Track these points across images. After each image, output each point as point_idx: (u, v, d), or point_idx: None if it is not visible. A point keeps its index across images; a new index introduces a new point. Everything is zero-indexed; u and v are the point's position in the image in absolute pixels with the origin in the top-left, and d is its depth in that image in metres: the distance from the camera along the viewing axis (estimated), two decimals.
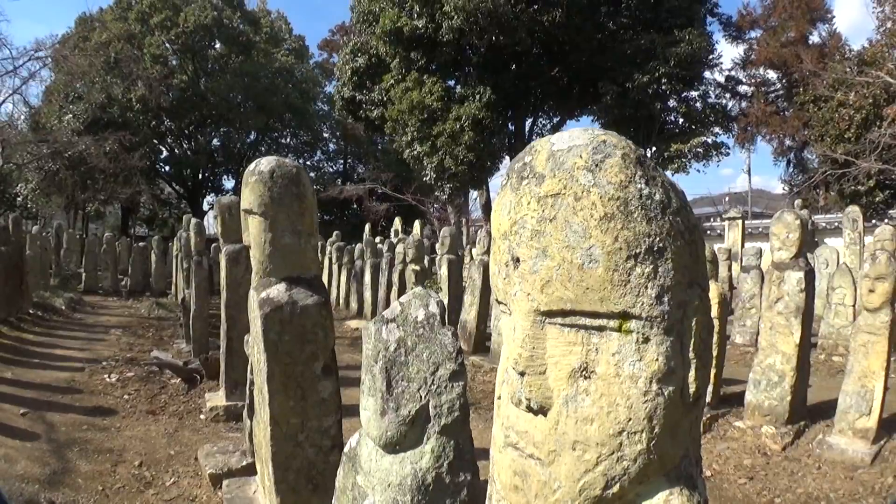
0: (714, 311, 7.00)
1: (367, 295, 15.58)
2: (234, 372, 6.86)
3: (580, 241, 1.16)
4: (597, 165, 1.16)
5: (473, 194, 32.96)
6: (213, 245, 14.77)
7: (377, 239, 20.06)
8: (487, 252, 11.15)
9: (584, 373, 1.21)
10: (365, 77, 29.53)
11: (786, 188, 38.75)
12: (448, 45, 24.90)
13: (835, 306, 10.75)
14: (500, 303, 1.38)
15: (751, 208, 39.13)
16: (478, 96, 24.85)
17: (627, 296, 1.15)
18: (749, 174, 43.59)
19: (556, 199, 1.19)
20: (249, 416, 4.78)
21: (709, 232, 26.14)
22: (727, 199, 45.20)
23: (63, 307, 14.56)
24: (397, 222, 27.97)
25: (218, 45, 42.77)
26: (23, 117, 29.80)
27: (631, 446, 1.18)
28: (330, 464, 3.38)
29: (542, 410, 1.25)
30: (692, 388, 1.21)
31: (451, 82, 27.53)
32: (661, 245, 1.15)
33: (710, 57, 27.66)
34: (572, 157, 1.19)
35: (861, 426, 5.96)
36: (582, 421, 1.21)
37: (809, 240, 16.41)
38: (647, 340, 1.17)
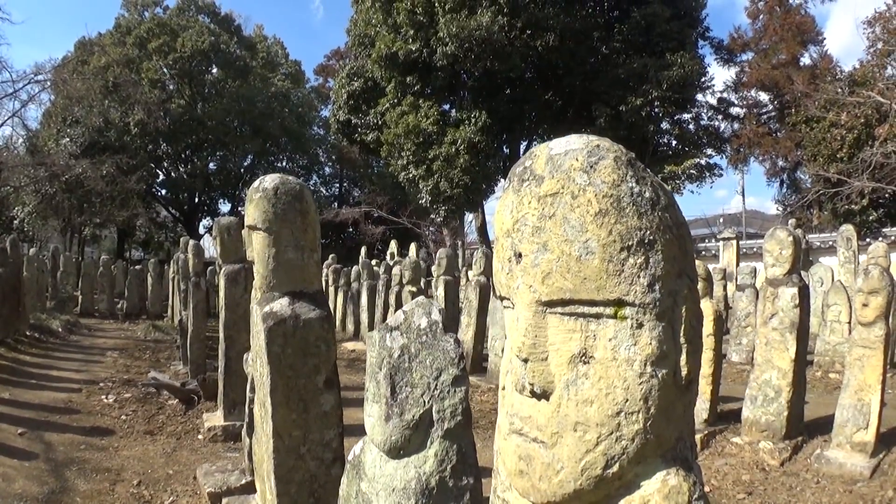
0: (709, 329, 7.05)
1: (364, 317, 15.60)
2: (233, 392, 6.87)
3: (577, 235, 1.25)
4: (591, 167, 1.26)
5: (469, 217, 33.03)
6: (210, 268, 14.79)
7: (373, 262, 20.08)
8: (484, 273, 11.23)
9: (583, 358, 1.28)
10: (360, 101, 29.73)
11: (780, 208, 38.95)
12: (443, 70, 25.06)
13: (830, 323, 10.77)
14: (503, 298, 1.46)
15: (745, 229, 39.26)
16: (473, 120, 24.98)
17: (622, 284, 1.24)
18: (743, 195, 44.03)
19: (554, 197, 1.28)
20: (249, 435, 4.80)
21: (703, 253, 26.22)
22: (721, 220, 45.41)
23: (60, 329, 14.56)
24: (393, 245, 28.03)
25: (215, 70, 43.03)
26: (21, 140, 29.85)
27: (628, 426, 1.25)
28: (332, 477, 3.40)
29: (544, 395, 1.32)
30: (684, 372, 1.29)
31: (447, 106, 27.73)
32: (651, 238, 1.24)
33: (702, 80, 27.81)
34: (569, 160, 1.28)
35: (859, 440, 5.95)
36: (582, 403, 1.28)
37: (804, 259, 16.47)
38: (640, 326, 1.25)
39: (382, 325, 2.23)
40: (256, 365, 3.68)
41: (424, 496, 1.99)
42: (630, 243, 1.23)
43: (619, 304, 1.25)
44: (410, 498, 1.99)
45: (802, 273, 7.24)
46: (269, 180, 3.63)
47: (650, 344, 1.25)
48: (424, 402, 2.06)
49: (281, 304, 3.47)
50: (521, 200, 1.34)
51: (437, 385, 2.07)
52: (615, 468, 1.27)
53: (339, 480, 2.43)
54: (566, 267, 1.26)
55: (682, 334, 1.29)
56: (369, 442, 2.22)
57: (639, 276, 1.24)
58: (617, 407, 1.25)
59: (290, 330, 3.41)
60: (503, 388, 1.50)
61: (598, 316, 1.27)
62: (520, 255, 1.34)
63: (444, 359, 2.09)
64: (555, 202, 1.28)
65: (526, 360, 1.33)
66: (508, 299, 1.42)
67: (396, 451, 2.07)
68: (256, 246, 3.57)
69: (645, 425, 1.25)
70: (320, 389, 3.45)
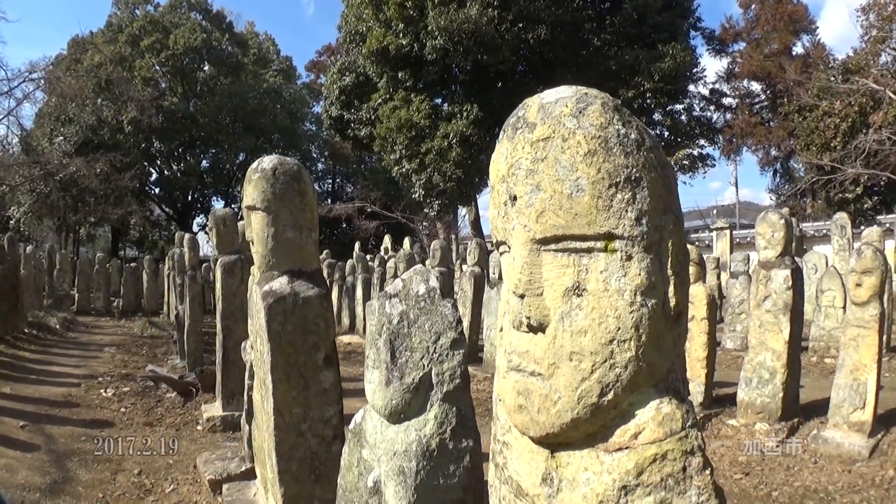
0: (703, 312, 7.10)
1: (359, 310, 15.63)
2: (231, 382, 6.90)
3: (568, 174, 1.32)
4: (580, 112, 1.34)
5: (462, 211, 33.06)
6: (204, 265, 14.81)
7: (367, 257, 20.12)
8: (478, 264, 11.27)
9: (576, 291, 1.35)
10: (352, 96, 29.67)
11: (773, 198, 39.07)
12: (434, 64, 25.01)
13: (825, 308, 10.82)
14: (500, 244, 1.52)
15: (738, 220, 39.31)
16: (465, 113, 24.94)
17: (611, 219, 1.31)
18: (736, 186, 43.90)
19: (546, 142, 1.35)
20: (248, 422, 4.83)
21: (697, 243, 26.25)
22: (715, 211, 45.37)
23: (57, 326, 14.59)
24: (387, 240, 28.04)
25: (207, 67, 42.95)
26: (16, 140, 29.74)
27: (621, 353, 1.31)
28: (332, 454, 3.44)
29: (540, 328, 1.38)
30: (672, 303, 1.36)
31: (438, 100, 27.62)
32: (637, 175, 1.32)
33: (694, 70, 27.81)
34: (559, 107, 1.36)
35: (856, 419, 5.97)
36: (577, 333, 1.34)
37: (797, 247, 16.53)
38: (629, 258, 1.32)
39: (381, 292, 2.27)
40: (256, 344, 3.72)
41: (425, 458, 2.03)
42: (618, 180, 1.30)
43: (609, 237, 1.32)
44: (412, 460, 2.02)
45: (797, 259, 7.27)
46: (268, 161, 3.66)
47: (639, 275, 1.32)
48: (424, 365, 2.10)
49: (280, 283, 3.51)
50: (514, 147, 1.41)
51: (435, 348, 2.11)
52: (610, 396, 1.33)
53: (339, 458, 2.46)
54: (558, 204, 1.33)
55: (669, 267, 1.36)
56: (370, 409, 2.25)
57: (627, 211, 1.31)
58: (610, 335, 1.32)
59: (289, 307, 3.45)
60: (500, 330, 1.56)
61: (589, 250, 1.34)
62: (515, 198, 1.41)
63: (442, 323, 2.13)
64: (547, 146, 1.35)
65: (522, 296, 1.39)
66: (504, 243, 1.49)
67: (397, 416, 2.11)
68: (255, 226, 3.60)
69: (637, 353, 1.31)
70: (320, 366, 3.49)
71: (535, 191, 1.36)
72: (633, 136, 1.33)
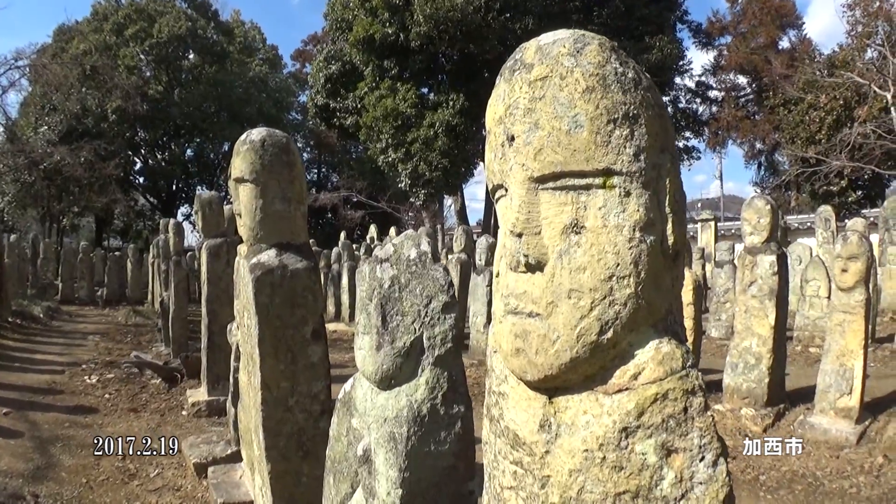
0: (688, 298, 7.11)
1: (345, 298, 15.58)
2: (216, 366, 6.87)
3: (566, 111, 1.31)
4: (578, 51, 1.33)
5: (448, 201, 33.02)
6: (189, 253, 14.74)
7: (353, 245, 20.07)
8: (464, 251, 11.26)
9: (575, 228, 1.34)
10: (338, 85, 29.50)
11: (757, 191, 39.17)
12: (420, 53, 24.95)
13: (809, 298, 10.86)
14: (496, 188, 1.50)
15: (723, 213, 39.46)
16: (451, 103, 24.88)
17: (609, 154, 1.31)
18: (721, 178, 44.16)
19: (544, 81, 1.34)
20: (234, 405, 4.81)
21: None
22: (700, 204, 45.59)
23: (41, 315, 14.49)
24: (372, 229, 27.97)
25: (192, 56, 42.55)
26: (0, 129, 29.47)
27: (620, 290, 1.31)
28: (320, 430, 3.40)
29: (539, 266, 1.37)
30: (671, 241, 1.36)
31: (425, 90, 27.57)
32: (635, 112, 1.32)
33: (681, 63, 27.99)
34: (557, 48, 1.35)
35: (843, 405, 5.98)
36: (576, 270, 1.33)
37: (781, 239, 16.59)
38: (628, 194, 1.32)
39: (371, 257, 2.25)
40: (244, 320, 3.68)
41: (416, 424, 2.00)
42: (616, 116, 1.30)
43: (608, 173, 1.32)
44: (403, 425, 2.00)
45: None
46: (256, 133, 3.64)
47: (638, 211, 1.32)
48: (415, 329, 2.07)
49: (268, 256, 3.48)
50: (512, 88, 1.41)
51: (427, 312, 2.09)
52: (609, 334, 1.32)
53: (327, 434, 2.44)
54: (557, 141, 1.32)
55: (667, 204, 1.37)
56: (360, 377, 2.23)
57: (625, 147, 1.31)
58: (609, 271, 1.31)
59: (277, 280, 3.42)
60: (497, 276, 1.54)
61: (587, 187, 1.33)
62: (512, 138, 1.40)
63: (433, 286, 2.11)
64: (544, 85, 1.34)
65: (520, 235, 1.38)
66: (502, 186, 1.47)
67: (388, 381, 2.08)
68: (243, 199, 3.56)
69: (636, 290, 1.31)
70: (308, 340, 3.47)
71: (533, 129, 1.35)
72: (630, 74, 1.34)
